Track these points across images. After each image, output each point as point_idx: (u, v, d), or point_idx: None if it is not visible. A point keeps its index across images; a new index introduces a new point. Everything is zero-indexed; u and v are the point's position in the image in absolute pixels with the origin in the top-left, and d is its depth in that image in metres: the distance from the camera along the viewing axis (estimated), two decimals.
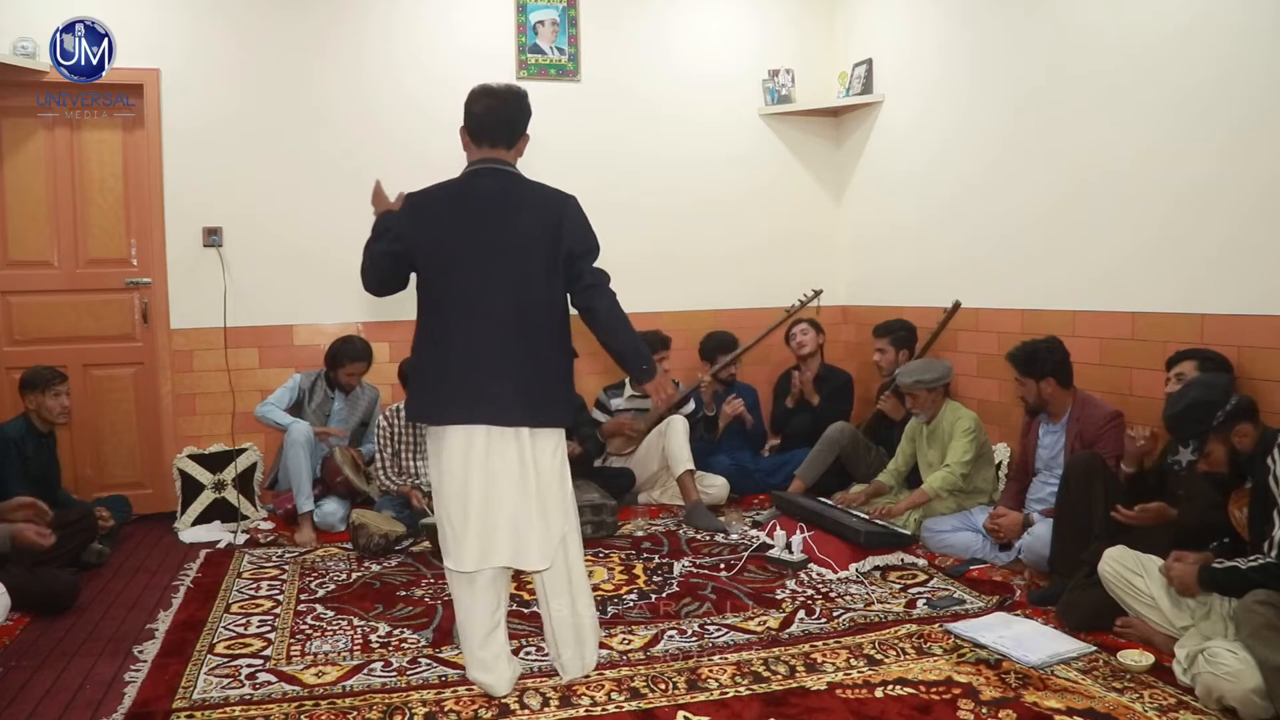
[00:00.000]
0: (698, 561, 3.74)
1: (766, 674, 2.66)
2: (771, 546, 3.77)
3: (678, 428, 4.51)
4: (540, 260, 2.51)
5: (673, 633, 2.99)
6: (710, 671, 2.67)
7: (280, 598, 3.42)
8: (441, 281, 2.53)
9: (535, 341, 2.52)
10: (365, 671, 2.72)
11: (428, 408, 2.55)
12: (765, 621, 3.08)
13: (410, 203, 2.59)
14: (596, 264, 2.59)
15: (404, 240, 2.55)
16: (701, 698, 2.52)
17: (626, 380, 4.88)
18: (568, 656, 2.61)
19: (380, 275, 2.61)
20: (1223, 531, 2.69)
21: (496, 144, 2.56)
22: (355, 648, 2.92)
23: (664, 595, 3.35)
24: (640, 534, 4.18)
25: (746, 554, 3.76)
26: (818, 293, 5.10)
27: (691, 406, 4.82)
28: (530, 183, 2.58)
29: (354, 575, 3.65)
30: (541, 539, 2.50)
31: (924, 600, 3.25)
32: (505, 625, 2.62)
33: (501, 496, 2.48)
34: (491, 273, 2.49)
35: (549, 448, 2.55)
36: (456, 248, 2.50)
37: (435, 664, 2.77)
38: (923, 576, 3.52)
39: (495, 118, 2.54)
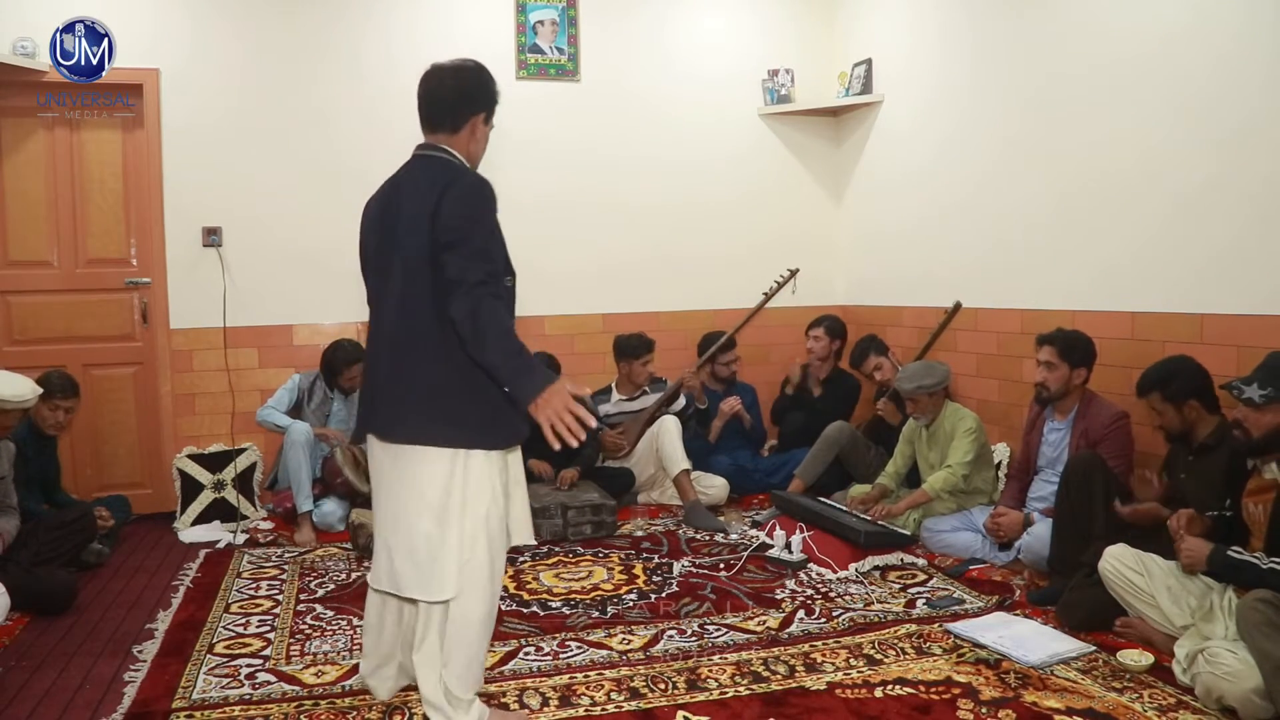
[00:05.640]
0: (697, 561, 3.74)
1: (766, 674, 2.66)
2: (771, 546, 3.77)
3: (670, 429, 4.47)
4: (423, 256, 2.14)
5: (672, 633, 2.98)
6: (710, 671, 2.67)
7: (280, 598, 3.42)
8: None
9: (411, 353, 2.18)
10: None
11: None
12: (765, 621, 3.08)
13: None
14: (474, 254, 2.07)
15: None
16: (701, 698, 2.52)
17: (614, 384, 4.87)
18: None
19: None
20: (1219, 529, 2.69)
21: (437, 129, 2.32)
22: (355, 647, 2.91)
23: (664, 595, 3.35)
24: (640, 534, 4.18)
25: (746, 554, 3.76)
26: (794, 272, 5.08)
27: (682, 403, 4.80)
28: (438, 163, 2.25)
29: (354, 575, 3.64)
30: None
31: (924, 600, 3.25)
32: None
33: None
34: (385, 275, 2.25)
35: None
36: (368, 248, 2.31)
37: None
38: (922, 576, 3.52)
39: (426, 99, 2.36)
